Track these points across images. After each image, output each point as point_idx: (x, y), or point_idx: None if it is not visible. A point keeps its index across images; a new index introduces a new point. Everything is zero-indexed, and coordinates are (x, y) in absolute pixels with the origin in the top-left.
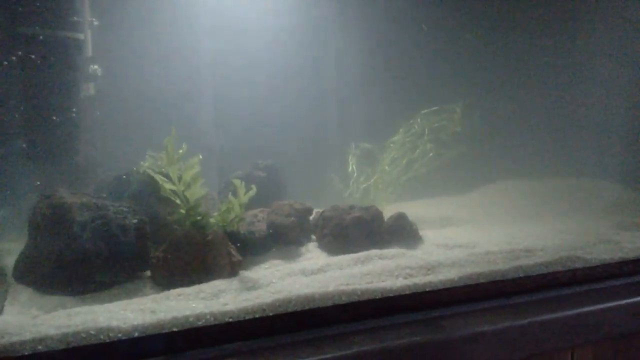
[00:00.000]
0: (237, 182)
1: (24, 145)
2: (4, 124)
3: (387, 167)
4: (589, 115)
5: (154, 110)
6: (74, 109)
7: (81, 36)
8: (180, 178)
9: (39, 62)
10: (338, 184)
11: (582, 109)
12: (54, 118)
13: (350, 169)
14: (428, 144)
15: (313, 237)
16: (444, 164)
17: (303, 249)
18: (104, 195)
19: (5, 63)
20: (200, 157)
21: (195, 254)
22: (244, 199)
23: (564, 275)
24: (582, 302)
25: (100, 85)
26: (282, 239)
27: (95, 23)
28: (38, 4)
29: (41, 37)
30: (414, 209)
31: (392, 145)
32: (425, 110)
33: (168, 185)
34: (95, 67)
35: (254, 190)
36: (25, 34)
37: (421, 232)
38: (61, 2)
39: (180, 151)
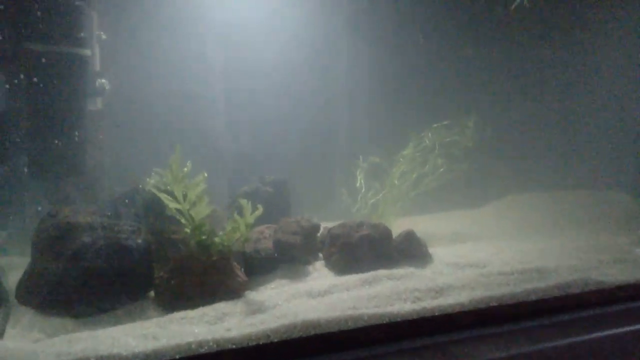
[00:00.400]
0: (243, 202)
1: (30, 162)
2: (8, 140)
3: (396, 182)
4: (603, 125)
5: (163, 120)
6: (80, 126)
7: (88, 52)
8: (185, 196)
9: (45, 78)
10: (346, 198)
11: (594, 120)
12: (60, 135)
13: (358, 183)
14: (439, 159)
15: (320, 254)
16: (455, 178)
17: (310, 268)
18: (109, 214)
19: (13, 80)
20: (205, 175)
21: (199, 276)
22: (250, 219)
23: (578, 299)
24: (597, 327)
25: (108, 98)
26: (288, 258)
27: (104, 37)
28: (45, 21)
29: (48, 54)
30: (424, 224)
31: (401, 160)
32: (436, 124)
33: (173, 204)
34: (103, 81)
35: (260, 210)
36: (32, 50)
37: (431, 249)
38: (68, 18)
39: (185, 169)
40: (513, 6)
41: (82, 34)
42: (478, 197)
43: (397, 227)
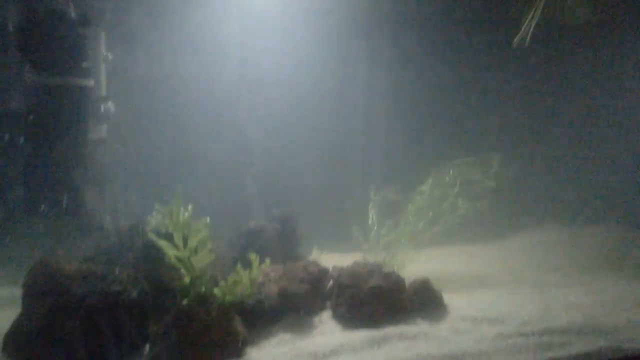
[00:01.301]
0: (252, 256)
1: (26, 199)
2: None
3: (411, 218)
4: (630, 157)
5: (171, 146)
6: (79, 165)
7: (91, 82)
8: (186, 242)
9: (42, 112)
10: (358, 234)
11: (622, 152)
12: (58, 175)
13: (370, 220)
14: (459, 200)
15: (327, 302)
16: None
17: (316, 320)
18: (104, 260)
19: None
20: (208, 220)
21: (197, 333)
22: (256, 273)
23: None
24: None
25: (114, 122)
26: (294, 309)
27: (110, 57)
28: (46, 51)
29: (46, 86)
30: (440, 261)
31: (418, 197)
32: (458, 160)
33: (172, 252)
34: (108, 105)
35: (267, 263)
36: (34, 81)
37: (447, 296)
38: (70, 48)
39: (187, 214)
40: (516, 40)
41: (84, 64)
42: (500, 229)
43: (411, 263)
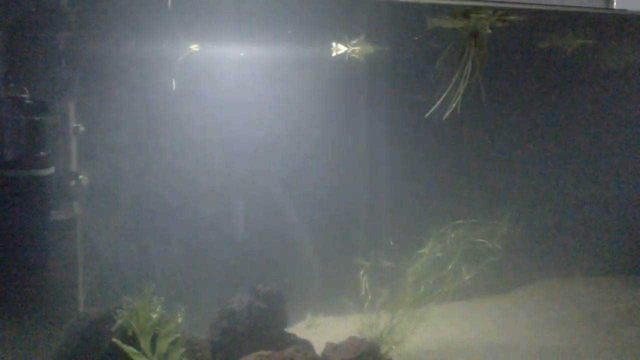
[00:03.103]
0: None
1: None
2: None
3: (410, 285)
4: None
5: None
6: (41, 254)
7: (49, 171)
8: (154, 347)
9: None
10: (350, 305)
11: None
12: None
13: (363, 291)
14: (463, 268)
15: None
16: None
17: None
18: None
19: None
20: (180, 318)
21: None
22: None
23: None
24: None
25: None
26: None
27: (81, 129)
28: None
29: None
30: (446, 326)
31: (416, 265)
32: (460, 222)
33: (138, 359)
34: (80, 179)
35: None
36: None
37: None
38: (25, 137)
39: (155, 316)
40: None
41: (41, 153)
42: (508, 278)
43: (412, 335)
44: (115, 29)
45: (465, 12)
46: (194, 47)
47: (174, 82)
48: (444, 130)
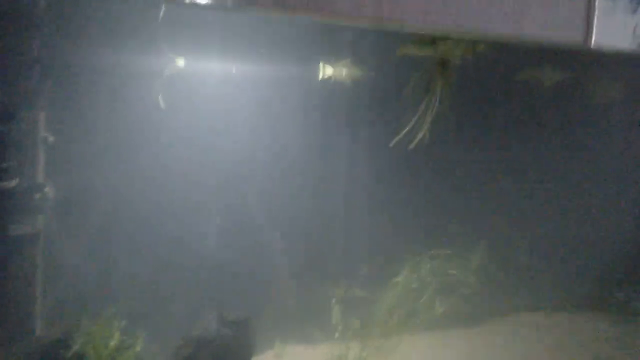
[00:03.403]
0: None
1: None
2: None
3: (383, 316)
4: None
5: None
6: None
7: (12, 184)
8: None
9: None
10: (319, 335)
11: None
12: None
13: (334, 320)
14: (435, 301)
15: None
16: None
17: None
18: None
19: None
20: (139, 348)
21: None
22: None
23: None
24: None
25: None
26: None
27: (50, 139)
28: None
29: None
30: (413, 357)
31: (390, 295)
32: (435, 252)
33: None
34: (45, 191)
35: None
36: None
37: None
38: None
39: (113, 343)
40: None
41: (3, 164)
42: (477, 309)
43: None
44: (88, 37)
45: (432, 40)
46: (179, 61)
47: (150, 93)
48: (416, 159)
